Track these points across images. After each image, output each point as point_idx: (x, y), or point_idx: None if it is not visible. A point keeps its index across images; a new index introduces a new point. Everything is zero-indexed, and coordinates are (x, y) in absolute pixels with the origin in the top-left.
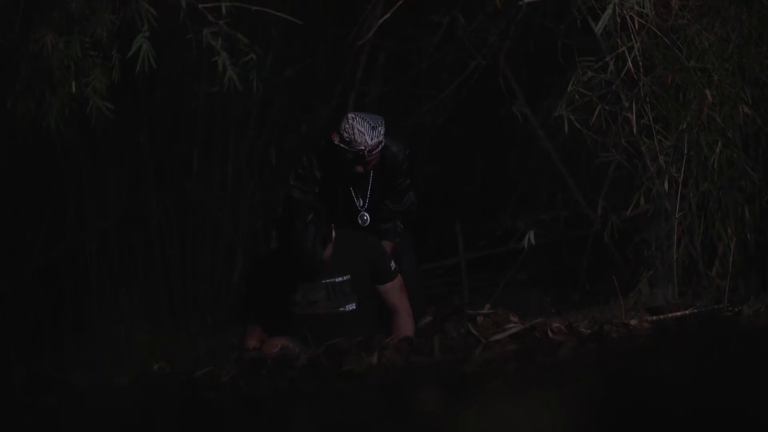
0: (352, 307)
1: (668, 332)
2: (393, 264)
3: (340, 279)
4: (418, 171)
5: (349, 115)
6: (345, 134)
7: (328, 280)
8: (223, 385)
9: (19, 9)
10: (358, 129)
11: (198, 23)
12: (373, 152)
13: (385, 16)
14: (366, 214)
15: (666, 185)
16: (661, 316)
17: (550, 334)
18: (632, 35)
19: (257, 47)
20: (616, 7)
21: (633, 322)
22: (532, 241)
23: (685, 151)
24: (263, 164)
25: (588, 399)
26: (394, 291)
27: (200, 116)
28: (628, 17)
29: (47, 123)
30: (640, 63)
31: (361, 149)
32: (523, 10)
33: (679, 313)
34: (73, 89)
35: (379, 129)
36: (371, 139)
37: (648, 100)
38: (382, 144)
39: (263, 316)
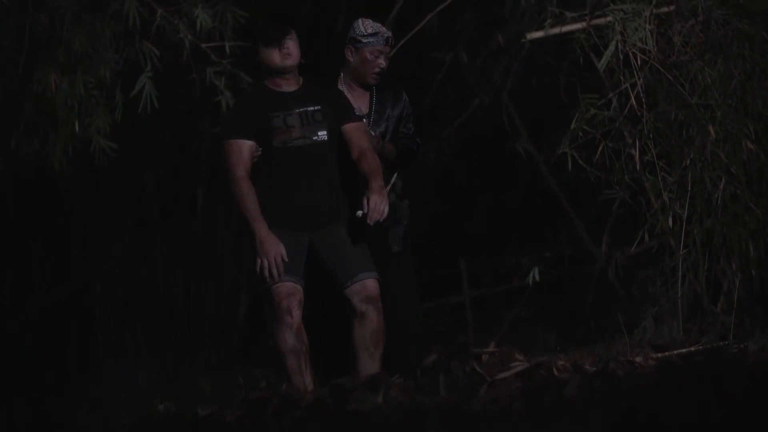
0: (323, 135)
1: (674, 369)
2: (360, 111)
3: (312, 108)
4: (421, 209)
5: (359, 19)
6: (368, 30)
7: (301, 109)
8: (228, 425)
9: (23, 49)
10: (374, 24)
11: (201, 62)
12: (392, 41)
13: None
14: (371, 132)
15: (670, 221)
16: (667, 353)
17: (555, 372)
18: (635, 72)
19: None
20: (619, 44)
21: (638, 359)
22: (537, 278)
23: (689, 188)
24: None
25: None
26: (359, 131)
27: (204, 155)
28: (630, 54)
29: (51, 162)
30: (643, 99)
31: (389, 35)
32: (525, 47)
33: (684, 350)
34: (77, 129)
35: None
36: (387, 30)
37: (651, 136)
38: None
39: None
